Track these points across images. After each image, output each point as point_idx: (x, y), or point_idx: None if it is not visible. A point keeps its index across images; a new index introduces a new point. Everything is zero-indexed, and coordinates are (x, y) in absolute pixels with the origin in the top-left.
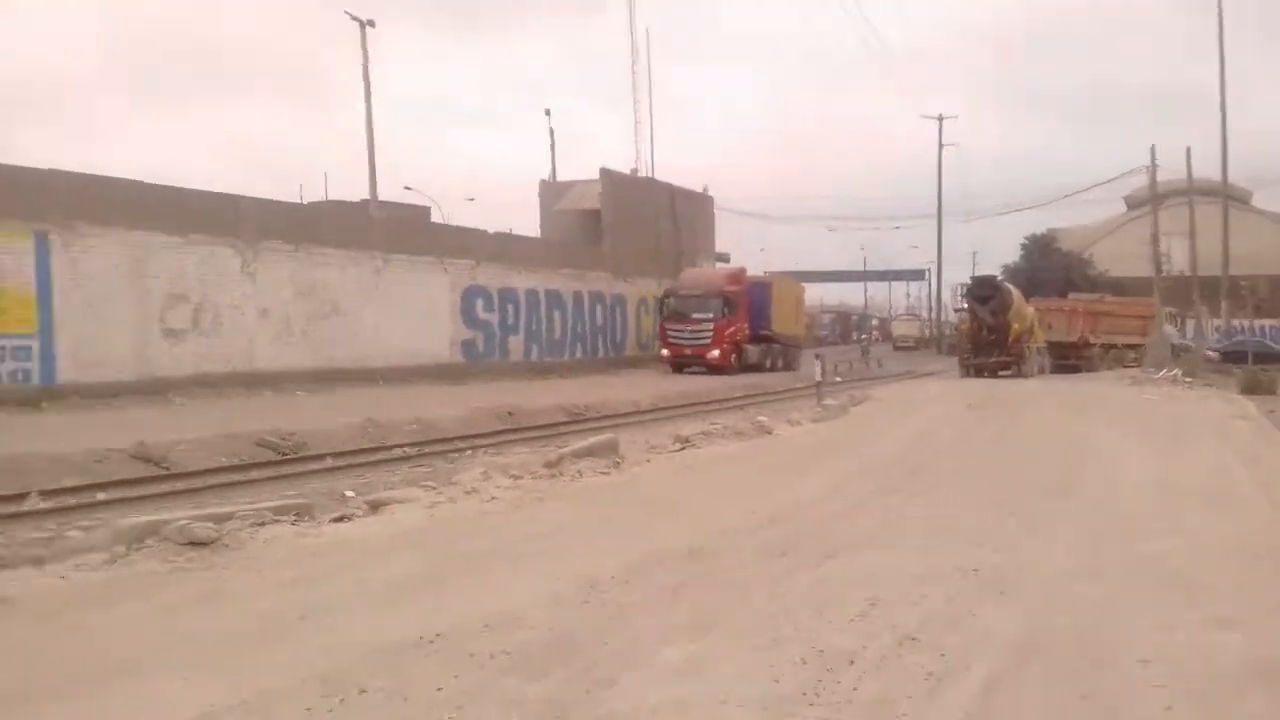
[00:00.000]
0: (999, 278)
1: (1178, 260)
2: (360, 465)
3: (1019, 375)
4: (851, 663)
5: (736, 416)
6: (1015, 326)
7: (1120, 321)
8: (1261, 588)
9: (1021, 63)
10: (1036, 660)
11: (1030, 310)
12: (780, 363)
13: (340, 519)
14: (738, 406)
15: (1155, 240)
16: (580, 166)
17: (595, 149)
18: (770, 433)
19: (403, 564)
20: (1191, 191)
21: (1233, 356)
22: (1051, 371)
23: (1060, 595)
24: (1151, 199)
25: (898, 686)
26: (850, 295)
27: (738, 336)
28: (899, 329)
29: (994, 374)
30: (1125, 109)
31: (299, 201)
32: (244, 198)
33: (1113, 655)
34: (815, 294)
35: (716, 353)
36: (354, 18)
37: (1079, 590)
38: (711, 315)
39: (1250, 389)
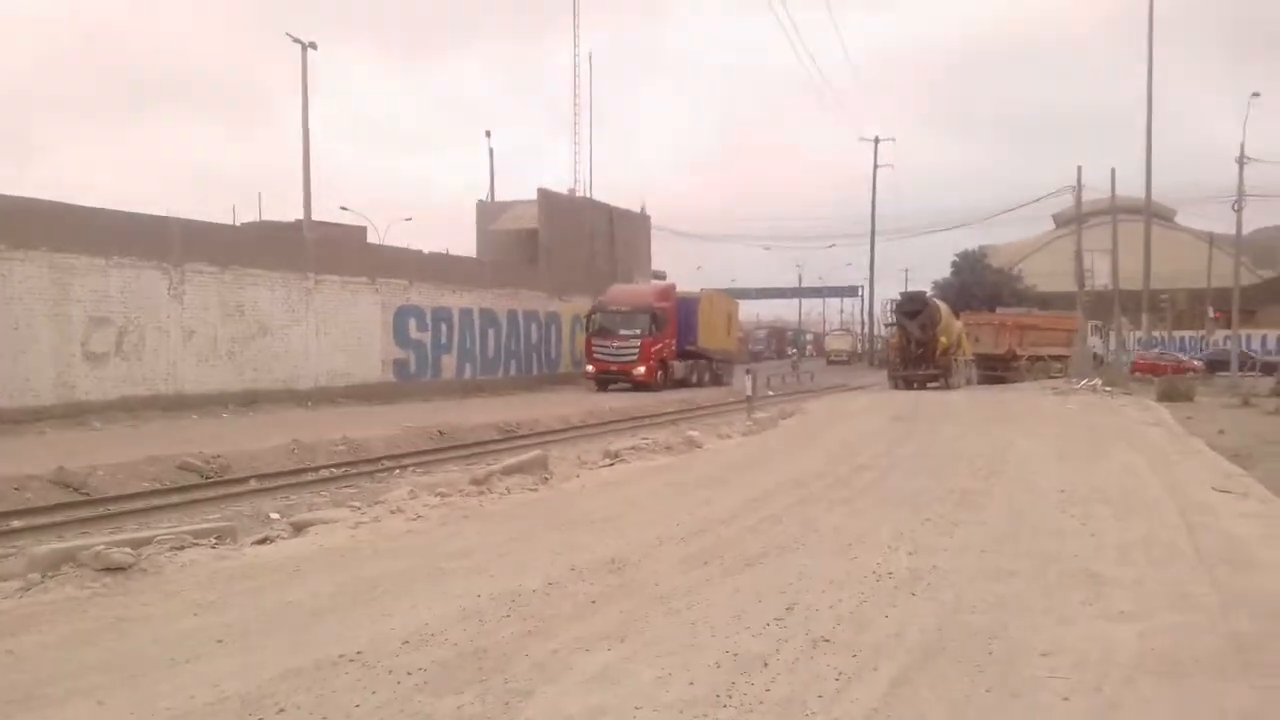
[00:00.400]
0: (928, 294)
1: (1103, 275)
2: (285, 487)
3: (946, 387)
4: (765, 665)
5: (667, 431)
6: (943, 340)
7: (1046, 334)
8: (1160, 585)
9: (957, 87)
10: (943, 656)
11: (958, 325)
12: (707, 378)
13: (262, 541)
14: (670, 421)
15: (1079, 256)
16: (521, 188)
17: (537, 171)
18: (700, 447)
19: (324, 584)
20: (1116, 210)
21: (1217, 365)
22: (980, 383)
23: (970, 595)
24: (1077, 217)
25: (808, 686)
26: (788, 311)
27: (664, 353)
28: (832, 344)
29: (922, 386)
30: (1056, 131)
31: (231, 223)
32: (172, 219)
33: (1017, 649)
34: (752, 310)
35: (642, 369)
36: (295, 39)
37: (988, 589)
38: (639, 332)
39: (1167, 397)
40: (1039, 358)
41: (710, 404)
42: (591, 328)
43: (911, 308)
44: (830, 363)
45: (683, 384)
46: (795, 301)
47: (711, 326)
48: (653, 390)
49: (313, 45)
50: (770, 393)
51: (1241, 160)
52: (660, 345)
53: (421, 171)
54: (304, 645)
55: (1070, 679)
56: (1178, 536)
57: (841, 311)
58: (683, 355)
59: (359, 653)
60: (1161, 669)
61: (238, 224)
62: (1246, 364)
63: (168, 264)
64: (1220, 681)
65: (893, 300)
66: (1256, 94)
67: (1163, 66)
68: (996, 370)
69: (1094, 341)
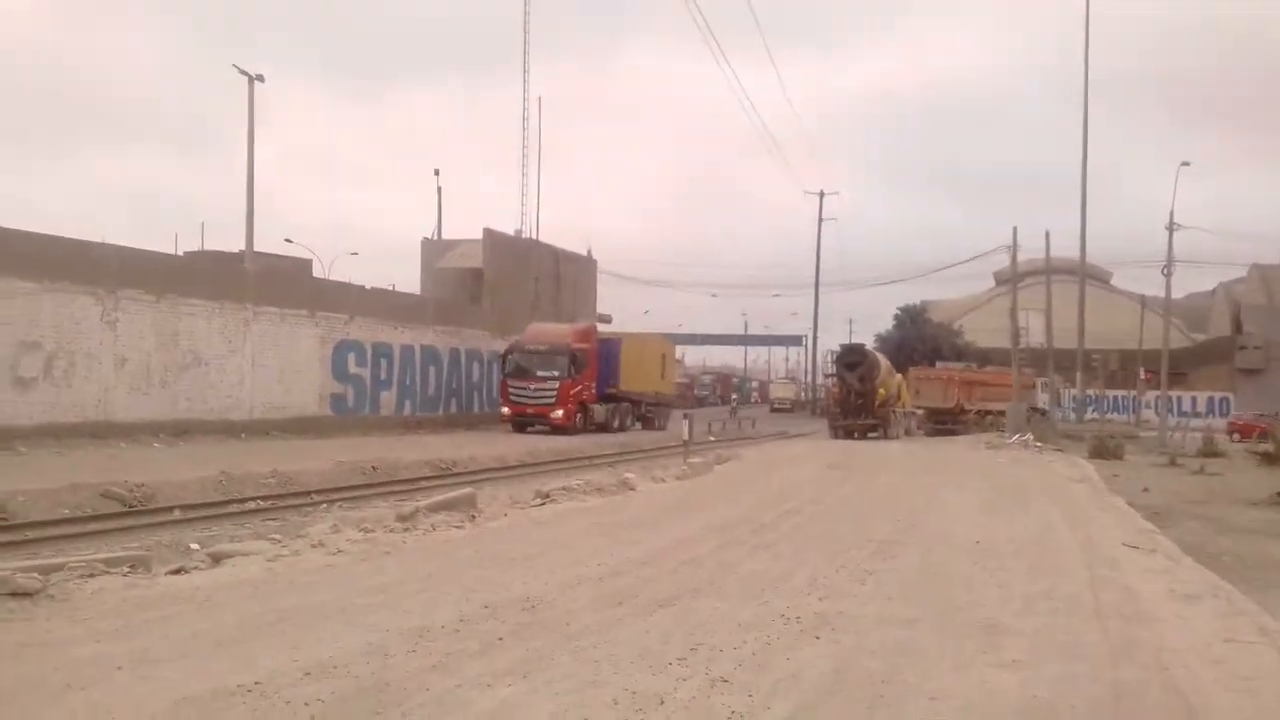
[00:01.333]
0: (868, 346)
1: (1038, 333)
2: (209, 518)
3: (885, 437)
4: (661, 703)
5: (603, 473)
6: (881, 392)
7: (995, 390)
8: (1056, 635)
9: (909, 142)
10: (837, 697)
11: (897, 378)
12: (631, 421)
13: (177, 571)
14: (607, 463)
15: (1014, 315)
16: (470, 227)
17: (486, 211)
18: (633, 489)
19: (233, 615)
20: (1052, 270)
21: None
22: (929, 435)
23: (872, 639)
24: (1012, 276)
25: None
26: (736, 359)
27: (584, 395)
28: (776, 391)
29: (862, 435)
30: (1005, 189)
31: (170, 251)
32: (107, 245)
33: (907, 693)
34: (698, 356)
35: (560, 413)
36: (242, 71)
37: (890, 635)
38: (556, 373)
39: (1097, 454)
40: (987, 412)
41: (650, 447)
42: (508, 368)
43: (851, 359)
44: (774, 410)
45: (604, 428)
46: (740, 349)
47: (639, 369)
48: (570, 434)
49: (260, 78)
50: (711, 438)
51: (1171, 227)
52: (579, 388)
53: (370, 207)
54: (203, 674)
55: None
56: (1081, 590)
57: (787, 360)
58: (604, 398)
59: (257, 683)
60: (1041, 714)
61: (179, 253)
62: None
63: (101, 290)
64: None
65: (833, 351)
66: (1186, 163)
67: (1105, 133)
68: (946, 424)
69: (1045, 399)
